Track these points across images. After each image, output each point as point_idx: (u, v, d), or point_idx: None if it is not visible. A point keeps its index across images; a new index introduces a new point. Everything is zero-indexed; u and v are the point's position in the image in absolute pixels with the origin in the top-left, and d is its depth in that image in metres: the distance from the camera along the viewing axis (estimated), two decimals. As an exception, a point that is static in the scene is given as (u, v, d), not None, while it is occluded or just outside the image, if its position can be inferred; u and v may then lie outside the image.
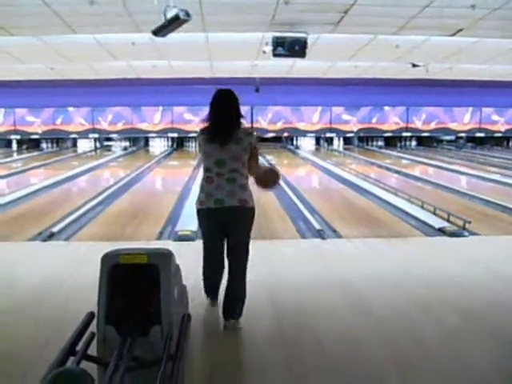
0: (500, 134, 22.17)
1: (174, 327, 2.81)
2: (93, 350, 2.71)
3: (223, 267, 3.82)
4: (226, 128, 3.56)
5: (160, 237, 6.57)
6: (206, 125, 3.66)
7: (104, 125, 20.72)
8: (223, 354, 3.31)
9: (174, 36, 8.08)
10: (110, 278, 2.81)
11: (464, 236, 6.49)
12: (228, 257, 3.71)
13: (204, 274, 3.96)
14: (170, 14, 7.07)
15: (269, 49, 9.90)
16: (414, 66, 13.49)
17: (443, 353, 3.30)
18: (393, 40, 10.82)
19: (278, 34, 9.10)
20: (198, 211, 3.72)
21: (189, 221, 7.14)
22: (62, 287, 4.54)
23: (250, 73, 16.48)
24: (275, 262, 4.89)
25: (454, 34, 9.84)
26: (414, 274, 4.94)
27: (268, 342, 3.45)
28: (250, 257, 3.73)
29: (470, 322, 3.76)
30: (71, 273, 4.91)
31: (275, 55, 9.25)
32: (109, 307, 2.77)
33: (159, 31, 7.36)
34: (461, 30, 9.42)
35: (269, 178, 3.84)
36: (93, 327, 2.84)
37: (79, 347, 2.66)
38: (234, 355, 3.35)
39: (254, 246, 3.86)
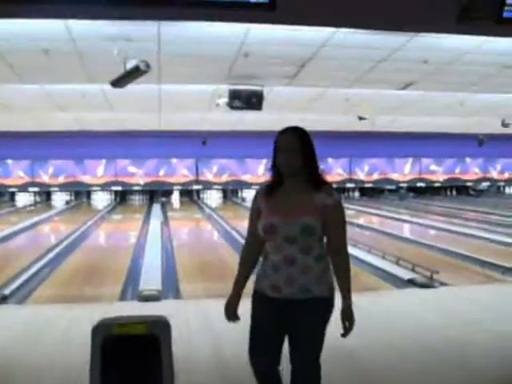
0: (439, 184, 22.92)
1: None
2: None
3: None
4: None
5: (122, 297, 6.15)
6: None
7: (45, 178, 19.97)
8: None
9: (126, 87, 7.89)
10: (103, 351, 2.49)
11: (434, 287, 6.43)
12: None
13: None
14: (130, 65, 6.93)
15: (222, 101, 9.85)
16: (361, 118, 13.78)
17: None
18: (343, 94, 11.04)
19: (234, 87, 9.06)
20: None
21: (151, 279, 6.77)
22: (27, 357, 4.05)
23: (198, 125, 16.41)
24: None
25: (404, 88, 10.14)
26: (398, 327, 4.81)
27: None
28: None
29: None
30: (35, 341, 4.42)
31: (232, 108, 9.19)
32: (104, 385, 2.45)
33: (118, 82, 7.21)
34: (411, 84, 9.72)
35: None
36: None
37: None
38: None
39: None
